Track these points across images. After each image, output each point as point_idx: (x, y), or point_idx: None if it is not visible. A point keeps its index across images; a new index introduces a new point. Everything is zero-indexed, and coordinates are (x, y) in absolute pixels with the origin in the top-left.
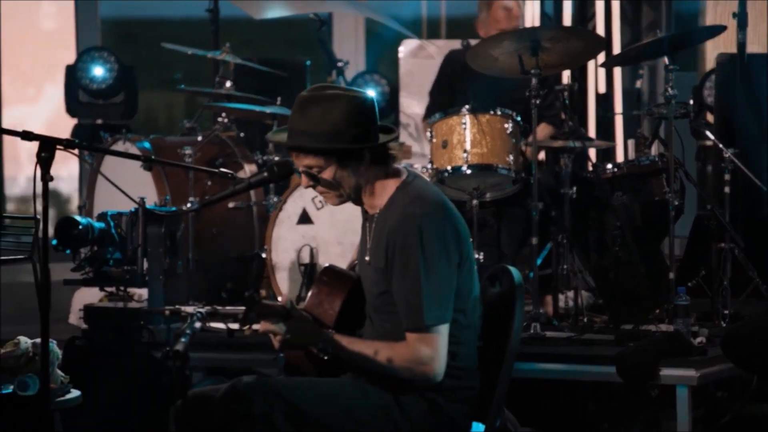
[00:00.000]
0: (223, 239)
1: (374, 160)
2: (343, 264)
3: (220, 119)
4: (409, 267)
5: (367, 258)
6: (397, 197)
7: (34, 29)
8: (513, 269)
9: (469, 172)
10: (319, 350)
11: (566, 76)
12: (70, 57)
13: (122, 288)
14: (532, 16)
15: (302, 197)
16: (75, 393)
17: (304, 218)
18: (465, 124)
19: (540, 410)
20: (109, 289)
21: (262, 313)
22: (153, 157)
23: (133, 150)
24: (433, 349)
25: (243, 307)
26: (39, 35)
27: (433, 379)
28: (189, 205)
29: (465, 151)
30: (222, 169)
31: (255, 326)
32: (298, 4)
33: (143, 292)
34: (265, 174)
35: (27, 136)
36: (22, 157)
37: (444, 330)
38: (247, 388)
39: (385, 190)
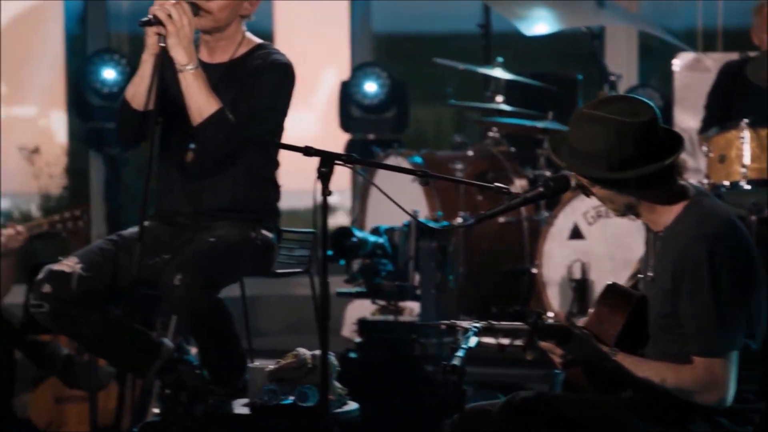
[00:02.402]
0: (493, 254)
1: (655, 178)
2: (618, 279)
3: (491, 134)
4: (699, 290)
5: (650, 275)
6: (684, 216)
7: (310, 46)
8: None
9: (748, 187)
10: (601, 370)
11: None
12: (345, 73)
13: (393, 302)
14: None
15: (574, 212)
16: (353, 405)
17: (576, 233)
18: (744, 138)
19: None
20: (380, 302)
21: (544, 335)
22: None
23: (405, 164)
24: (722, 376)
25: (516, 323)
26: (315, 52)
27: (720, 405)
28: (460, 219)
29: (743, 165)
30: (497, 184)
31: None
32: (570, 18)
33: (414, 306)
34: (541, 189)
35: (308, 151)
36: (292, 171)
37: (734, 357)
38: (526, 403)
39: (671, 208)
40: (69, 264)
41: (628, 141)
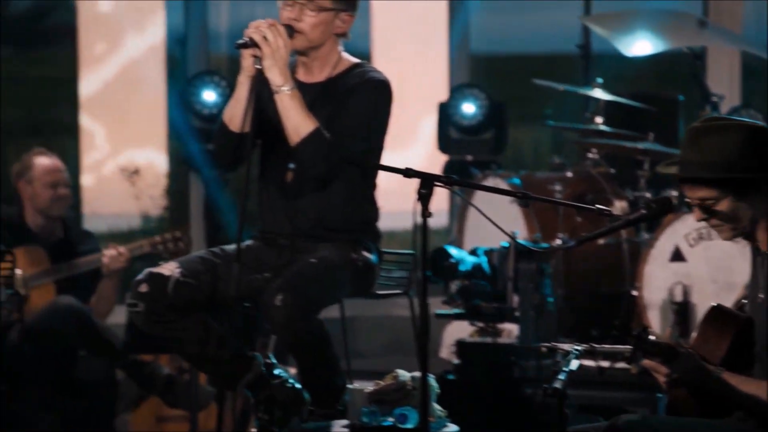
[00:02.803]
0: (593, 276)
1: None
2: (721, 302)
3: (590, 155)
4: None
5: (760, 296)
6: None
7: (408, 67)
8: None
9: None
10: (707, 389)
11: None
12: (443, 94)
13: (491, 323)
14: None
15: (675, 234)
16: (453, 428)
17: (677, 255)
18: None
19: None
20: (479, 323)
21: (648, 351)
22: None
23: (503, 186)
24: None
25: (617, 346)
26: (412, 72)
27: None
28: (559, 241)
29: None
30: (598, 206)
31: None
32: (671, 38)
33: (512, 328)
34: (643, 211)
35: (408, 173)
36: (391, 192)
37: None
38: (629, 427)
39: None
40: (168, 268)
41: (758, 145)
